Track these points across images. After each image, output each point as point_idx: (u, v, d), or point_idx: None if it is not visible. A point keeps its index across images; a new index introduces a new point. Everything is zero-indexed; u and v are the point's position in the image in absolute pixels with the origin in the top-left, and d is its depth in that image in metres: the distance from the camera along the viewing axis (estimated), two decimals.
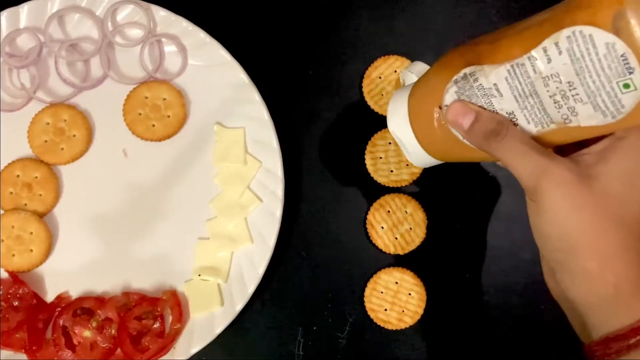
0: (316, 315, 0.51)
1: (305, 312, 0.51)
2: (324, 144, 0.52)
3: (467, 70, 0.30)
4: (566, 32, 0.26)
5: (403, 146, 0.36)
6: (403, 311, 0.49)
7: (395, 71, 0.51)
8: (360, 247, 0.51)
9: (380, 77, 0.51)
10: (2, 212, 0.49)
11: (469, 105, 0.30)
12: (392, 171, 0.51)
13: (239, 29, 0.53)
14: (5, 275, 0.49)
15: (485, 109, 0.30)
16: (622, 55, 0.25)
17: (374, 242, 0.50)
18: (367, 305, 0.50)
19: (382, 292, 0.49)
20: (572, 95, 0.27)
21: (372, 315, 0.49)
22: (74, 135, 0.50)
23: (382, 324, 0.49)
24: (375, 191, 0.51)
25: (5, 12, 0.49)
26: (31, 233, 0.49)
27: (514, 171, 0.30)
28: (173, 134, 0.50)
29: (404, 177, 0.50)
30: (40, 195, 0.50)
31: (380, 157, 0.51)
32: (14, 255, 0.49)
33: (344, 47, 0.53)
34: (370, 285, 0.50)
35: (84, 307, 0.48)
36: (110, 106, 0.51)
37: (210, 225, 0.50)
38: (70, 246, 0.50)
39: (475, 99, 0.30)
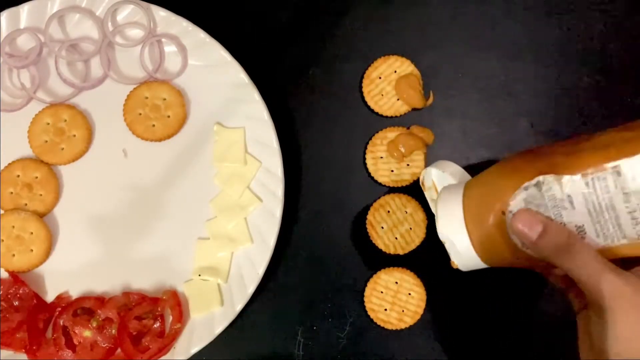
0: (316, 315, 0.51)
1: (305, 312, 0.51)
2: (324, 144, 0.52)
3: (540, 178, 0.29)
4: None
5: (454, 250, 0.35)
6: (403, 311, 0.49)
7: (395, 71, 0.51)
8: (360, 247, 0.51)
9: (380, 77, 0.51)
10: (2, 212, 0.49)
11: (537, 216, 0.30)
12: (392, 171, 0.51)
13: (239, 29, 0.53)
14: (5, 275, 0.49)
15: (552, 220, 0.30)
16: None
17: (374, 242, 0.50)
18: (367, 305, 0.50)
19: (382, 292, 0.49)
20: None
21: (372, 315, 0.49)
22: (74, 135, 0.50)
23: (382, 324, 0.49)
24: (375, 191, 0.51)
25: (5, 12, 0.49)
26: (31, 233, 0.49)
27: (583, 285, 0.30)
28: (173, 134, 0.50)
29: (404, 177, 0.50)
30: (41, 195, 0.50)
31: (381, 157, 0.51)
32: (14, 255, 0.49)
33: (344, 47, 0.53)
34: (370, 285, 0.50)
35: (84, 307, 0.48)
36: (110, 106, 0.51)
37: (210, 225, 0.50)
38: (71, 246, 0.50)
39: (544, 209, 0.30)
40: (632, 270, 0.30)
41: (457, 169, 0.40)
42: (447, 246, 0.35)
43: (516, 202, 0.30)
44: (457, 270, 0.51)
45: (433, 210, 0.41)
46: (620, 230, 0.28)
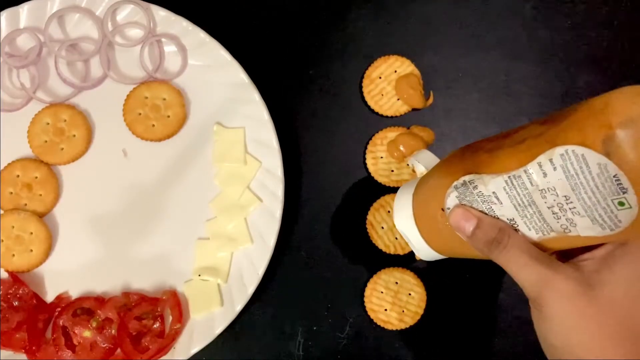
0: (316, 315, 0.51)
1: (305, 312, 0.51)
2: (324, 144, 0.52)
3: (466, 178, 0.30)
4: (559, 150, 0.26)
5: (409, 242, 0.37)
6: (403, 311, 0.49)
7: (396, 71, 0.51)
8: (360, 247, 0.51)
9: (380, 77, 0.51)
10: (2, 212, 0.49)
11: (470, 211, 0.31)
12: (392, 171, 0.50)
13: (239, 29, 0.53)
14: (5, 275, 0.49)
15: (486, 214, 0.30)
16: (614, 176, 0.25)
17: (374, 242, 0.50)
18: (367, 305, 0.50)
19: (382, 292, 0.49)
20: (570, 208, 0.27)
21: (372, 315, 0.49)
22: (74, 135, 0.50)
23: (382, 324, 0.49)
24: (375, 191, 0.51)
25: (5, 12, 0.49)
26: (31, 233, 0.49)
27: (516, 280, 0.30)
28: (173, 134, 0.50)
29: (405, 177, 0.50)
30: (40, 195, 0.50)
31: (381, 157, 0.51)
32: (13, 255, 0.49)
33: (344, 47, 0.53)
34: (370, 285, 0.50)
35: (84, 307, 0.48)
36: (110, 106, 0.51)
37: (210, 226, 0.50)
38: (70, 246, 0.50)
39: (477, 204, 0.30)
40: (573, 260, 0.30)
41: (431, 159, 0.42)
42: (405, 238, 0.37)
43: (451, 200, 0.32)
44: (457, 270, 0.51)
45: None
46: (546, 224, 0.28)
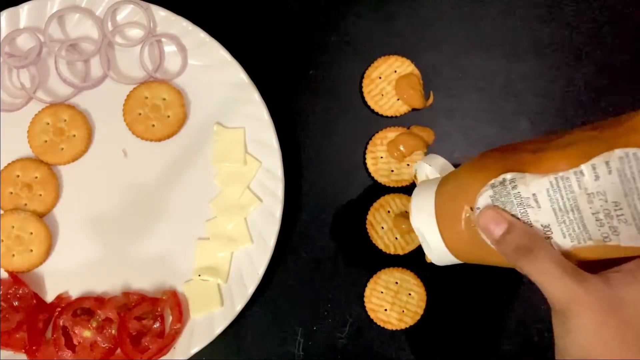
0: (316, 315, 0.51)
1: (305, 312, 0.51)
2: (324, 144, 0.52)
3: (507, 175, 0.29)
4: (619, 152, 0.25)
5: (425, 243, 0.35)
6: (403, 311, 0.49)
7: (395, 71, 0.51)
8: (360, 247, 0.51)
9: (380, 77, 0.51)
10: (1, 212, 0.49)
11: (502, 214, 0.29)
12: (392, 171, 0.50)
13: (239, 29, 0.53)
14: (5, 275, 0.49)
15: (518, 218, 0.29)
16: None
17: (374, 242, 0.50)
18: (367, 305, 0.50)
19: (382, 292, 0.49)
20: (617, 215, 0.26)
21: (372, 315, 0.49)
22: (74, 135, 0.50)
23: (382, 324, 0.49)
24: (375, 191, 0.51)
25: (5, 12, 0.49)
26: (31, 233, 0.49)
27: (543, 291, 0.29)
28: (173, 134, 0.50)
29: (405, 177, 0.50)
30: (40, 195, 0.50)
31: (381, 157, 0.51)
32: (13, 255, 0.49)
33: (344, 47, 0.53)
34: (370, 285, 0.50)
35: (84, 307, 0.48)
36: (110, 106, 0.51)
37: (210, 226, 0.50)
38: (70, 246, 0.50)
39: (510, 206, 0.29)
40: (604, 272, 0.29)
41: (444, 163, 0.40)
42: (420, 240, 0.36)
43: (483, 199, 0.30)
44: (457, 270, 0.51)
45: None
46: (586, 231, 0.28)
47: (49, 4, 0.50)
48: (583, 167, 0.27)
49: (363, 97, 0.52)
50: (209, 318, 0.48)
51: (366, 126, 0.52)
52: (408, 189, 0.51)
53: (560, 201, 0.28)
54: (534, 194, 0.28)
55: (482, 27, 0.53)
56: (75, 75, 0.51)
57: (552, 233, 0.29)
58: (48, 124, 0.50)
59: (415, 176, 0.44)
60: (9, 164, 0.50)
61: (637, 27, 0.53)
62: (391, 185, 0.50)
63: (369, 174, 0.51)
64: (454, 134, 0.52)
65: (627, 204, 0.26)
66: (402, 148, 0.49)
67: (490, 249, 0.31)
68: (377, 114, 0.52)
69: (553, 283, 0.28)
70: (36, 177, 0.50)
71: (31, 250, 0.49)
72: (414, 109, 0.51)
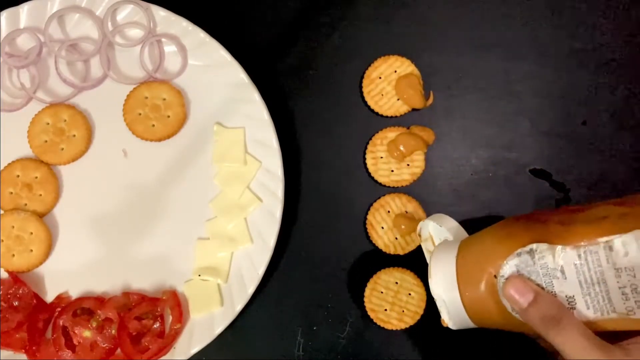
0: (316, 315, 0.51)
1: (305, 312, 0.51)
2: (324, 144, 0.52)
3: (534, 246, 0.30)
4: None
5: (444, 308, 0.35)
6: (403, 311, 0.49)
7: (395, 71, 0.51)
8: (360, 247, 0.51)
9: (380, 77, 0.51)
10: (2, 212, 0.49)
11: (529, 284, 0.30)
12: (392, 171, 0.50)
13: (239, 29, 0.53)
14: (5, 275, 0.49)
15: (543, 288, 0.30)
16: None
17: (374, 242, 0.50)
18: (367, 305, 0.50)
19: (382, 292, 0.49)
20: None
21: (372, 315, 0.49)
22: (74, 136, 0.50)
23: (382, 324, 0.49)
24: (375, 191, 0.51)
25: (5, 12, 0.49)
26: (31, 233, 0.49)
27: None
28: (173, 134, 0.50)
29: (404, 177, 0.50)
30: (40, 195, 0.50)
31: (381, 157, 0.51)
32: (13, 255, 0.49)
33: (344, 47, 0.53)
34: (370, 285, 0.50)
35: (84, 307, 0.48)
36: (110, 106, 0.51)
37: (210, 226, 0.50)
38: (70, 246, 0.50)
39: (535, 275, 0.30)
40: (622, 343, 0.30)
41: (453, 224, 0.41)
42: (439, 304, 0.36)
43: (508, 267, 0.31)
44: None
45: (427, 260, 0.41)
46: (610, 304, 0.28)
47: (49, 4, 0.50)
48: (611, 242, 0.27)
49: (363, 97, 0.52)
50: (209, 318, 0.48)
51: (366, 126, 0.52)
52: (408, 189, 0.51)
53: (587, 274, 0.28)
54: (561, 266, 0.29)
55: (482, 27, 0.53)
56: (75, 75, 0.51)
57: (575, 304, 0.29)
58: (48, 124, 0.50)
59: (419, 234, 0.44)
60: (9, 164, 0.50)
61: (636, 27, 0.53)
62: (391, 185, 0.50)
63: (369, 174, 0.51)
64: (454, 134, 0.52)
65: None
66: (402, 148, 0.49)
67: (510, 316, 0.31)
68: (377, 114, 0.52)
69: (580, 354, 0.29)
70: (36, 177, 0.50)
71: (31, 250, 0.49)
72: (414, 109, 0.51)
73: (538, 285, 0.30)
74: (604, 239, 0.28)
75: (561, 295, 0.30)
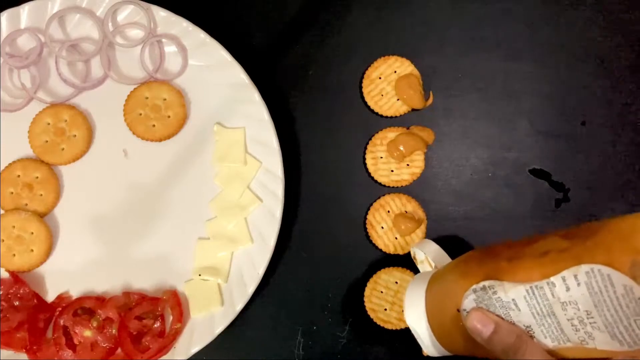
0: (316, 315, 0.51)
1: (305, 312, 0.51)
2: (323, 144, 0.52)
3: (486, 283, 0.31)
4: (585, 267, 0.26)
5: (419, 338, 0.37)
6: (403, 311, 0.49)
7: (395, 71, 0.51)
8: (360, 247, 0.51)
9: (380, 77, 0.51)
10: (2, 212, 0.50)
11: (488, 315, 0.31)
12: (392, 171, 0.51)
13: (239, 29, 0.53)
14: (5, 275, 0.49)
15: (503, 318, 0.31)
16: (639, 298, 0.25)
17: (374, 242, 0.50)
18: (367, 305, 0.50)
19: (382, 292, 0.49)
20: (590, 323, 0.27)
21: (372, 315, 0.49)
22: (75, 136, 0.50)
23: (382, 324, 0.49)
24: (375, 191, 0.51)
25: (5, 13, 0.49)
26: (32, 233, 0.49)
27: None
28: (173, 134, 0.51)
29: (404, 177, 0.50)
30: (41, 195, 0.50)
31: (381, 157, 0.51)
32: (14, 255, 0.49)
33: (344, 47, 0.53)
34: (370, 285, 0.50)
35: (85, 307, 0.48)
36: (110, 106, 0.51)
37: (210, 226, 0.50)
38: (71, 246, 0.50)
39: (494, 308, 0.31)
40: None
41: (436, 249, 0.43)
42: (415, 334, 0.38)
43: (468, 302, 0.32)
44: None
45: None
46: (564, 334, 0.29)
47: (50, 5, 0.50)
48: (553, 279, 0.28)
49: (363, 97, 0.52)
50: (209, 318, 0.48)
51: (366, 126, 0.52)
52: (408, 189, 0.51)
53: (537, 307, 0.29)
54: (513, 299, 0.30)
55: (482, 27, 0.53)
56: (75, 76, 0.51)
57: (534, 332, 0.30)
58: (49, 124, 0.50)
59: (414, 257, 0.46)
60: (9, 164, 0.50)
61: (638, 27, 0.53)
62: (391, 185, 0.51)
63: (369, 174, 0.51)
64: (454, 134, 0.52)
65: (598, 314, 0.27)
66: (402, 148, 0.49)
67: (478, 345, 0.32)
68: (377, 114, 0.52)
69: None
70: (37, 177, 0.50)
71: (32, 250, 0.49)
72: (413, 109, 0.51)
73: (498, 315, 0.31)
74: (547, 275, 0.28)
75: (520, 325, 0.30)
